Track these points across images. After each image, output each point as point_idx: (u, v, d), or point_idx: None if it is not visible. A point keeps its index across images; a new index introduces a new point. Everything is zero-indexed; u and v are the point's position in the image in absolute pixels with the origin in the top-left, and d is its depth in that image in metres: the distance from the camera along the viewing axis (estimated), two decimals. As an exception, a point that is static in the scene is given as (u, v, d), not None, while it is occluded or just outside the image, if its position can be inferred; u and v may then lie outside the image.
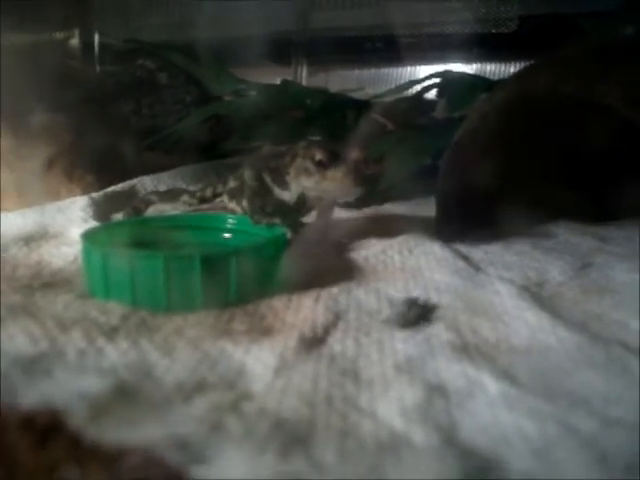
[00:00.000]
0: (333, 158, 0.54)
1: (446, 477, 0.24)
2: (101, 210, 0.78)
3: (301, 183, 0.57)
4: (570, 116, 0.54)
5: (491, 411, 0.31)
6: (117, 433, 0.25)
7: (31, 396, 0.28)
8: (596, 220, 0.74)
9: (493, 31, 1.31)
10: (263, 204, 0.59)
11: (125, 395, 0.29)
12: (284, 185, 0.60)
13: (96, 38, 1.65)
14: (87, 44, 1.64)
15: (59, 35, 1.66)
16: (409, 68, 1.45)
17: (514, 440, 0.28)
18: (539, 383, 0.35)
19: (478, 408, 0.32)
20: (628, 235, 0.71)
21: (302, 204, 0.60)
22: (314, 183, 0.56)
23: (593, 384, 0.35)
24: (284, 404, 0.31)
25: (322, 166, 0.55)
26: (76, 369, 0.32)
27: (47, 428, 0.25)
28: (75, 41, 1.66)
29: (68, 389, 0.28)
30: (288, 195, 0.60)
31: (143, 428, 0.25)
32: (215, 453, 0.24)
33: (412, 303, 0.45)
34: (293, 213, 0.60)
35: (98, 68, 1.57)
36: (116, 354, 0.36)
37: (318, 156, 0.55)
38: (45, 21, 1.60)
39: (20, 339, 0.36)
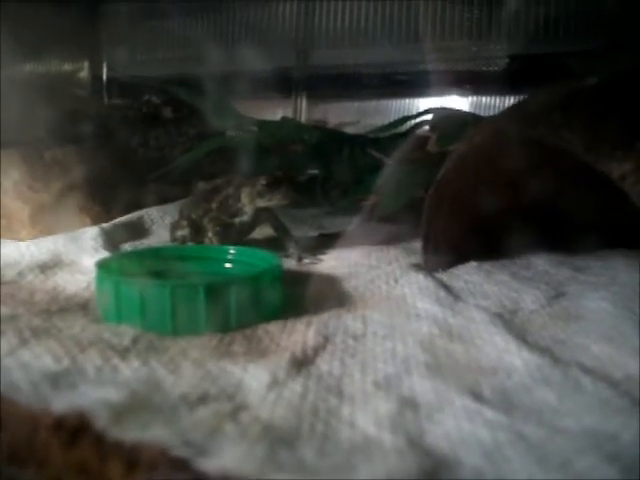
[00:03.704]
0: (272, 180, 0.75)
1: (403, 470, 0.29)
2: (111, 239, 0.84)
3: (256, 203, 0.77)
4: (539, 159, 0.60)
5: (454, 422, 0.36)
6: (134, 433, 0.30)
7: (60, 403, 0.33)
8: (576, 252, 0.79)
9: (484, 69, 1.38)
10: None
11: (139, 402, 0.34)
12: (238, 212, 0.79)
13: (105, 72, 1.71)
14: (96, 78, 1.70)
15: (70, 68, 1.72)
16: (405, 101, 1.50)
17: (470, 444, 0.33)
18: (500, 399, 0.40)
19: (444, 419, 0.37)
20: (605, 265, 0.76)
21: (256, 220, 0.80)
22: (267, 200, 0.76)
23: (547, 400, 0.40)
24: (275, 414, 0.36)
25: (269, 186, 0.75)
26: (96, 382, 0.37)
27: (75, 429, 0.30)
28: (85, 74, 1.72)
29: (92, 398, 0.33)
30: (246, 216, 0.79)
31: (156, 429, 0.31)
32: (215, 450, 0.29)
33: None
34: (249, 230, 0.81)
35: (106, 101, 1.63)
36: (129, 371, 0.41)
37: (264, 181, 0.75)
38: (56, 54, 1.66)
39: (45, 358, 0.41)
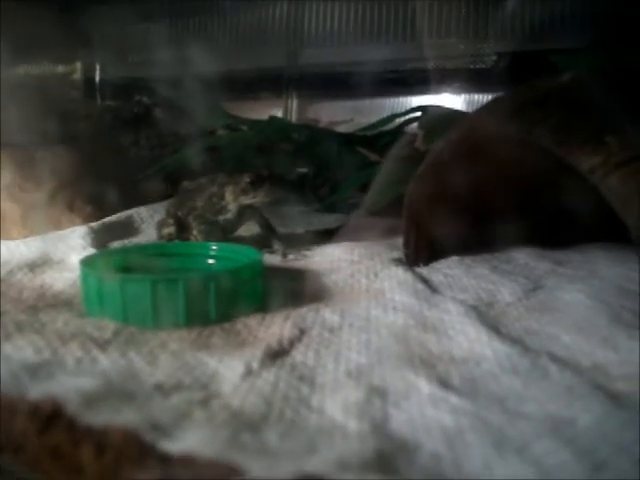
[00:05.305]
0: (256, 178, 0.77)
1: (360, 453, 0.30)
2: (99, 238, 0.85)
3: (240, 201, 0.78)
4: (513, 154, 0.61)
5: (420, 408, 0.37)
6: (105, 418, 0.31)
7: (37, 391, 0.34)
8: (556, 246, 0.80)
9: (471, 66, 1.39)
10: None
11: (113, 391, 0.36)
12: (222, 210, 0.80)
13: (97, 73, 1.72)
14: (89, 79, 1.71)
15: (62, 69, 1.73)
16: (397, 99, 1.51)
17: (432, 430, 0.35)
18: (467, 386, 0.41)
19: (410, 406, 0.38)
20: (585, 259, 0.77)
21: (241, 217, 0.81)
22: (251, 198, 0.77)
23: (513, 387, 0.41)
24: (246, 401, 0.37)
25: (253, 184, 0.76)
26: (74, 373, 0.39)
27: (49, 416, 0.31)
28: (78, 76, 1.73)
29: (67, 386, 0.35)
30: (230, 214, 0.80)
31: (126, 414, 0.32)
32: (180, 433, 0.31)
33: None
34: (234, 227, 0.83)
35: (99, 102, 1.64)
36: (108, 362, 0.42)
37: (247, 179, 0.77)
38: (49, 56, 1.66)
39: (27, 350, 0.43)
